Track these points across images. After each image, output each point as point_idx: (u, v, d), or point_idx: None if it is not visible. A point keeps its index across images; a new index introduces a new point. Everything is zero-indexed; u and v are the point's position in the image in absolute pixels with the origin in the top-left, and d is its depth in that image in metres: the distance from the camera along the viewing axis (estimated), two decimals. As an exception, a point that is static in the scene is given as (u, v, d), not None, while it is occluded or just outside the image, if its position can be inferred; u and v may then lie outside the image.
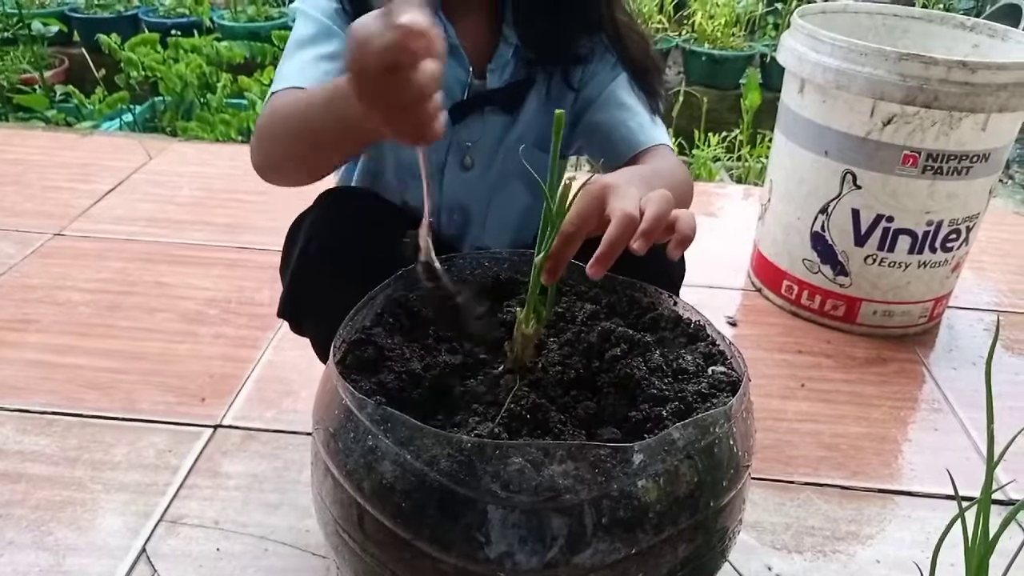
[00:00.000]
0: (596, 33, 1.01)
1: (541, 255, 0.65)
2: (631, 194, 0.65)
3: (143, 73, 2.90)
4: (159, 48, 3.04)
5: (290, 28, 3.54)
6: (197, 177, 2.15)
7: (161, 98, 2.95)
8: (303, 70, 0.92)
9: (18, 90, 2.95)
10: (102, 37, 3.05)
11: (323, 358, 1.13)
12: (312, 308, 1.00)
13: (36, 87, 3.02)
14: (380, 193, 1.07)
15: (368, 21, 0.58)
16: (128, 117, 2.85)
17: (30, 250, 1.75)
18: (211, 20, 3.60)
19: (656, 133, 1.01)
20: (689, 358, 0.74)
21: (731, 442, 0.64)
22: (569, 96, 1.04)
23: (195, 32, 3.38)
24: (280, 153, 0.87)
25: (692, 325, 0.79)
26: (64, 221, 1.88)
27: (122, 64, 2.95)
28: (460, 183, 1.08)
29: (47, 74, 3.19)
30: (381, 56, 0.57)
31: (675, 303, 0.82)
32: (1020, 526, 1.17)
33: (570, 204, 0.65)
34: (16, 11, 3.38)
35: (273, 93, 0.91)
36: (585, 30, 1.00)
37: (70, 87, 2.96)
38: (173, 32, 3.24)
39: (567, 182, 0.64)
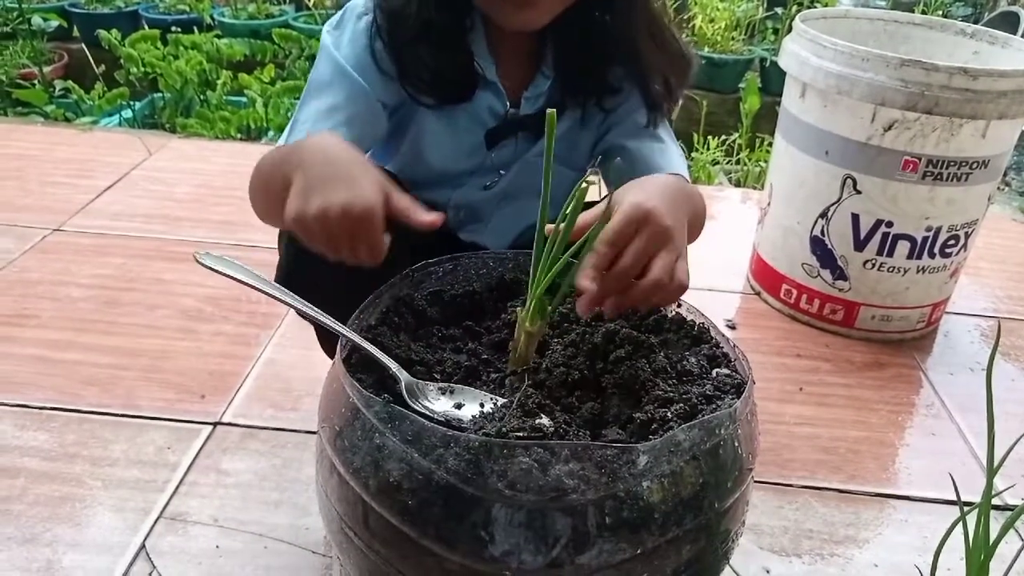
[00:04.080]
0: (630, 65, 1.01)
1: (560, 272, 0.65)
2: (673, 239, 0.69)
3: (143, 69, 2.90)
4: (159, 45, 3.04)
5: (290, 26, 3.55)
6: (196, 174, 2.15)
7: (161, 95, 2.94)
8: (315, 123, 0.92)
9: (17, 85, 2.94)
10: (102, 33, 3.04)
11: (325, 346, 1.14)
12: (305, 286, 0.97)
13: (35, 82, 3.01)
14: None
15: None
16: (127, 113, 2.84)
17: (29, 245, 1.75)
18: (211, 17, 3.59)
19: (677, 163, 1.01)
20: (693, 360, 0.74)
21: (735, 444, 0.64)
22: (599, 116, 1.05)
23: (195, 29, 3.38)
24: (257, 206, 0.88)
25: (696, 327, 0.79)
26: (63, 217, 1.87)
27: (122, 60, 2.95)
28: (476, 191, 1.09)
29: (46, 69, 3.18)
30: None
31: (679, 305, 0.82)
32: (1018, 532, 1.18)
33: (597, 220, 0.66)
34: (16, 6, 3.37)
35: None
36: (619, 62, 1.01)
37: (69, 82, 2.95)
38: (173, 29, 3.24)
39: (584, 186, 0.64)
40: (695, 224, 0.83)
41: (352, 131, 0.91)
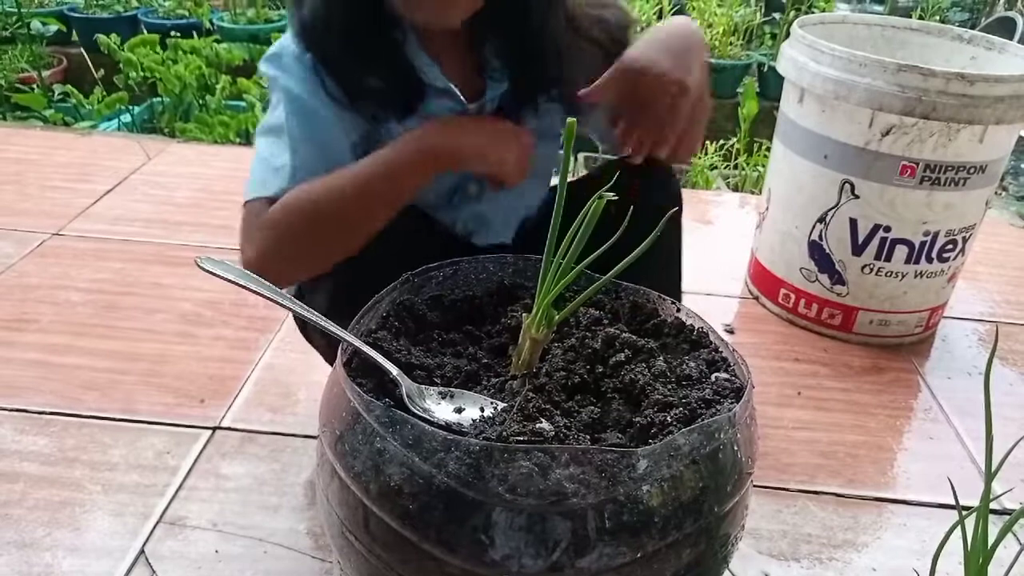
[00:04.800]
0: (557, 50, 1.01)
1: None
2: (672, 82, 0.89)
3: (142, 74, 2.90)
4: (158, 49, 3.04)
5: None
6: (195, 178, 2.16)
7: (160, 99, 2.94)
8: (312, 171, 0.93)
9: (16, 89, 2.95)
10: (101, 37, 3.04)
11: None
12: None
13: (34, 86, 3.02)
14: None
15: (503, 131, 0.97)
16: (126, 118, 2.84)
17: (28, 250, 1.75)
18: (211, 22, 3.60)
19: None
20: (692, 364, 0.74)
21: (735, 448, 0.64)
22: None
23: (194, 34, 3.38)
24: (320, 244, 0.90)
25: (695, 332, 0.80)
26: (62, 221, 1.88)
27: (121, 65, 2.95)
28: (471, 201, 1.10)
29: (45, 73, 3.19)
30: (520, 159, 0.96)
31: (678, 309, 0.82)
32: (1015, 536, 1.18)
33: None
34: (15, 10, 3.37)
35: (271, 196, 0.92)
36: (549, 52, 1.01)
37: (68, 87, 2.96)
38: (172, 33, 3.24)
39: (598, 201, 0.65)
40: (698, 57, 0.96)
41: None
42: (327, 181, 0.90)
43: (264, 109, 0.99)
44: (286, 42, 0.99)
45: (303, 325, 1.14)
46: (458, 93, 1.01)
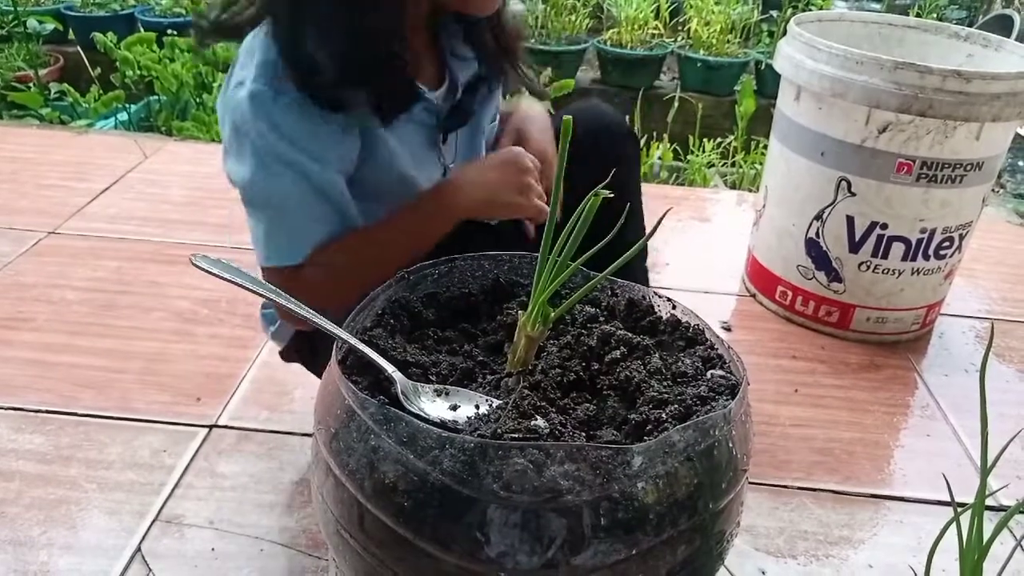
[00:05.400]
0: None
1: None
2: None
3: (139, 72, 2.90)
4: (155, 47, 3.03)
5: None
6: (192, 177, 2.15)
7: (156, 97, 2.94)
8: (323, 237, 0.98)
9: (13, 87, 2.94)
10: (98, 36, 3.04)
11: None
12: None
13: (31, 85, 3.01)
14: None
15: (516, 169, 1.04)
16: (123, 116, 2.84)
17: (24, 248, 1.75)
18: (207, 20, 3.59)
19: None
20: (688, 361, 0.74)
21: (730, 445, 0.64)
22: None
23: (191, 32, 3.38)
24: (356, 286, 0.90)
25: (691, 329, 0.80)
26: (59, 219, 1.87)
27: (117, 63, 2.94)
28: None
29: (42, 72, 3.18)
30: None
31: (674, 306, 0.82)
32: (1011, 532, 1.18)
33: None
34: (11, 8, 3.37)
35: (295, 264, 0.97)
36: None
37: (65, 85, 2.95)
38: (169, 31, 3.23)
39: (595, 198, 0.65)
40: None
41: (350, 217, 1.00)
42: (363, 243, 1.00)
43: (226, 152, 0.97)
44: (258, 88, 0.91)
45: (286, 350, 1.21)
46: (429, 98, 1.04)
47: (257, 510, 1.12)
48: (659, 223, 0.65)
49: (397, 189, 1.04)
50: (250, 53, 0.94)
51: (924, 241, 1.53)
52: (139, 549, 1.05)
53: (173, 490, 1.15)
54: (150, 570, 1.02)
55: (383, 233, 1.01)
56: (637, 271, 1.29)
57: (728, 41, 3.73)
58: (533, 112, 1.18)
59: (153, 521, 1.10)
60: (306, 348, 1.18)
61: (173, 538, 1.07)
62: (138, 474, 1.17)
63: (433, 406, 0.66)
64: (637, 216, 1.25)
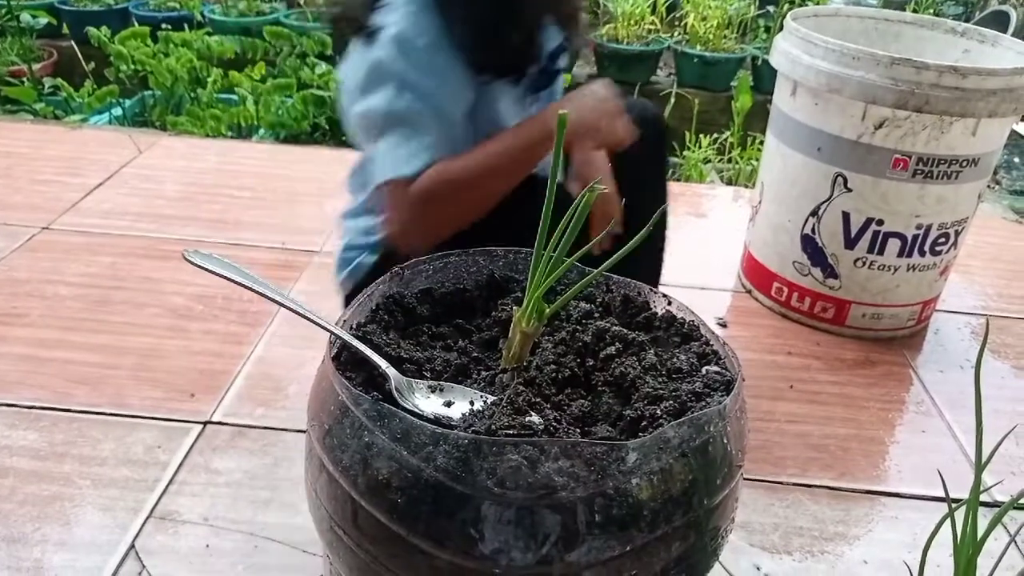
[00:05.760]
0: None
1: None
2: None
3: (133, 67, 2.89)
4: (149, 42, 3.02)
5: (281, 23, 3.54)
6: (186, 172, 2.15)
7: (151, 92, 2.93)
8: (432, 154, 1.06)
9: (6, 82, 2.93)
10: (92, 30, 3.03)
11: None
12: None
13: (24, 80, 3.00)
14: None
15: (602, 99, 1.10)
16: (117, 111, 2.83)
17: (18, 244, 1.74)
18: (202, 14, 3.58)
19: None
20: (683, 357, 0.74)
21: (725, 441, 0.64)
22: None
23: (186, 26, 3.37)
24: (464, 209, 1.06)
25: (686, 325, 0.79)
26: (53, 215, 1.87)
27: (112, 58, 2.93)
28: None
29: (36, 67, 3.17)
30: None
31: (669, 302, 0.82)
32: (1005, 528, 1.18)
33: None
34: (5, 3, 3.35)
35: (412, 173, 1.04)
36: None
37: (59, 80, 2.94)
38: (163, 26, 3.23)
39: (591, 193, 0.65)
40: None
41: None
42: (474, 157, 1.06)
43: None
44: (403, 30, 1.06)
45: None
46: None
47: (251, 506, 1.12)
48: (655, 219, 0.65)
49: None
50: (394, 7, 1.08)
51: (920, 237, 1.53)
52: (133, 545, 1.05)
53: (167, 486, 1.15)
54: (144, 566, 1.02)
55: (491, 151, 1.08)
56: (654, 253, 1.37)
57: (725, 37, 3.72)
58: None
59: (147, 517, 1.09)
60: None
61: (167, 534, 1.07)
62: (132, 470, 1.17)
63: (427, 402, 0.66)
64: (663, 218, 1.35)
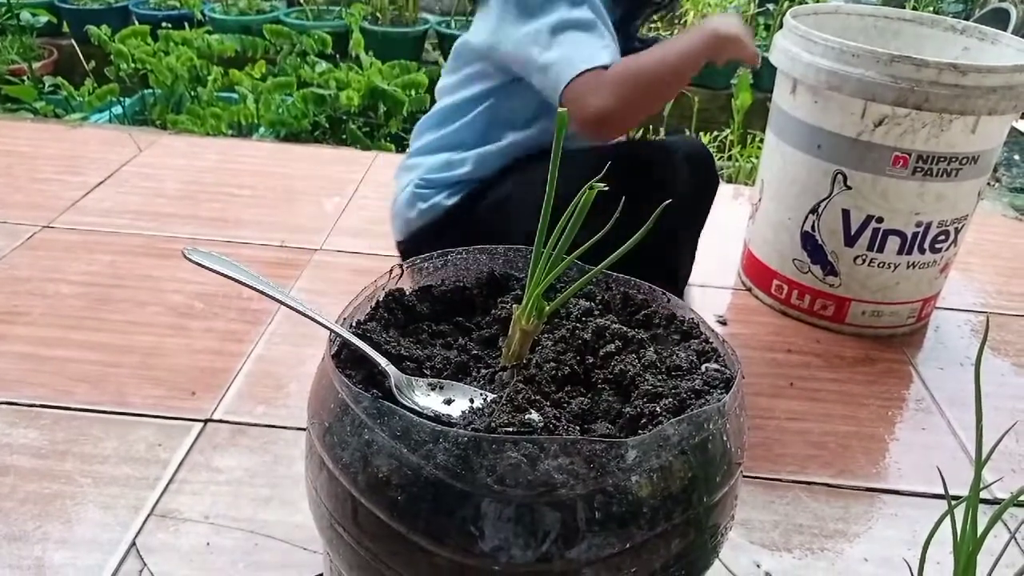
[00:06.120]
0: None
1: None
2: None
3: (133, 65, 2.89)
4: (149, 40, 3.02)
5: (281, 22, 3.54)
6: (187, 171, 2.15)
7: (151, 91, 2.93)
8: (606, 53, 1.18)
9: (6, 81, 2.92)
10: (92, 28, 3.03)
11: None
12: None
13: (24, 78, 3.00)
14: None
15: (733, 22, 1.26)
16: (118, 110, 2.83)
17: (19, 242, 1.74)
18: (202, 13, 3.58)
19: None
20: (683, 355, 0.74)
21: (724, 439, 0.64)
22: None
23: (186, 25, 3.37)
24: (649, 101, 1.20)
25: (686, 322, 0.80)
26: (53, 213, 1.87)
27: (112, 56, 2.93)
28: None
29: (36, 65, 3.17)
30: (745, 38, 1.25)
31: (669, 300, 0.82)
32: (1005, 525, 1.18)
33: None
34: (5, 1, 3.35)
35: (590, 68, 1.15)
36: None
37: (59, 79, 2.94)
38: (164, 24, 3.23)
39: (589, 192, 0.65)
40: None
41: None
42: (652, 57, 1.20)
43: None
44: None
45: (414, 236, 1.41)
46: None
47: (252, 504, 1.12)
48: (655, 217, 0.65)
49: None
50: None
51: (920, 235, 1.53)
52: (134, 543, 1.05)
53: (168, 484, 1.15)
54: (145, 564, 1.02)
55: (668, 51, 1.22)
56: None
57: (725, 34, 3.71)
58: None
59: (148, 516, 1.09)
60: (450, 228, 1.34)
61: (168, 532, 1.07)
62: (133, 468, 1.17)
63: (427, 400, 0.66)
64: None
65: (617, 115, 1.15)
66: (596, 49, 1.16)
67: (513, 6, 1.21)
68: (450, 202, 1.33)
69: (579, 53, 1.16)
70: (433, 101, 1.44)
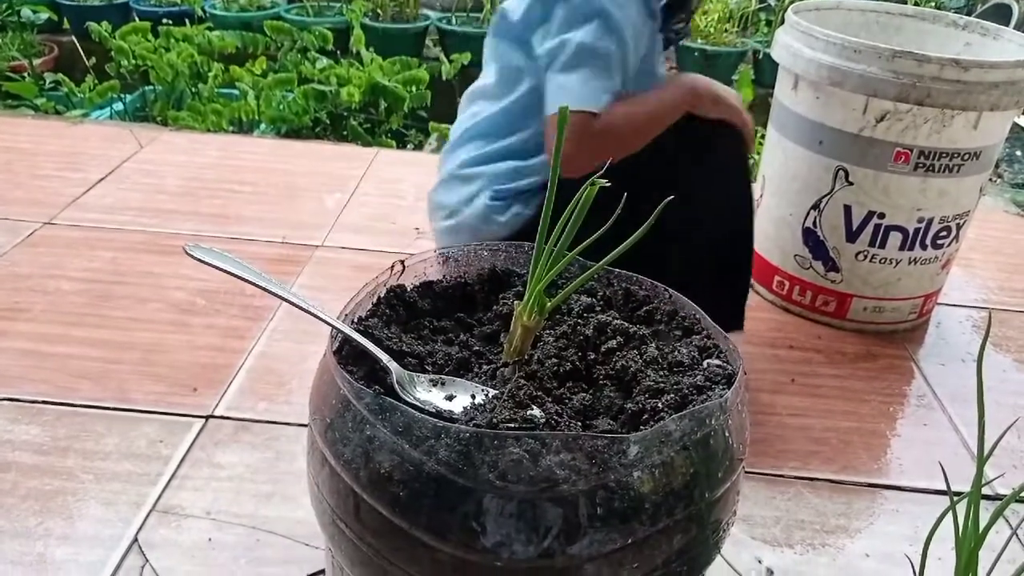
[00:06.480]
0: None
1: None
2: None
3: (134, 62, 2.89)
4: (150, 37, 3.02)
5: (281, 18, 3.54)
6: (187, 167, 2.15)
7: (152, 87, 2.93)
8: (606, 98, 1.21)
9: (7, 77, 2.92)
10: (92, 25, 3.03)
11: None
12: None
13: (25, 75, 3.00)
14: None
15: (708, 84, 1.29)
16: (118, 106, 2.83)
17: (19, 239, 1.74)
18: (203, 9, 3.58)
19: None
20: (684, 351, 0.74)
21: (726, 434, 0.64)
22: None
23: (186, 21, 3.37)
24: (614, 154, 1.12)
25: (687, 319, 0.79)
26: (54, 210, 1.87)
27: (112, 53, 2.93)
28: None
29: (36, 62, 3.17)
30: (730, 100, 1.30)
31: (670, 296, 0.82)
32: (1007, 521, 1.18)
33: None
34: (5, -2, 3.35)
35: (584, 112, 1.18)
36: None
37: (60, 75, 2.94)
38: (164, 21, 3.22)
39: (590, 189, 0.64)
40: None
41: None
42: (636, 108, 1.24)
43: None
44: None
45: None
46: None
47: (254, 500, 1.12)
48: (658, 212, 0.65)
49: (643, 80, 1.31)
50: None
51: (921, 231, 1.52)
52: (136, 540, 1.05)
53: (170, 481, 1.15)
54: (147, 560, 1.02)
55: (653, 103, 1.26)
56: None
57: (726, 30, 3.71)
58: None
59: (150, 511, 1.10)
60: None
61: (170, 528, 1.07)
62: (135, 464, 1.17)
63: (429, 396, 0.66)
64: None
65: (587, 161, 1.14)
66: (598, 92, 1.20)
67: (564, 12, 1.23)
68: (530, 211, 1.33)
69: (580, 89, 1.19)
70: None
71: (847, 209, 1.53)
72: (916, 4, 3.70)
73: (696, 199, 1.15)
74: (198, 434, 1.24)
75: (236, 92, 2.87)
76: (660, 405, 0.65)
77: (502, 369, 0.70)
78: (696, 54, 3.62)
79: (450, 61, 3.21)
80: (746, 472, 1.19)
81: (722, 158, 1.31)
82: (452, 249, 0.85)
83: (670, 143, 1.26)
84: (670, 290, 0.82)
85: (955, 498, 0.67)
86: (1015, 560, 1.09)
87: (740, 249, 1.37)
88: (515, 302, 0.72)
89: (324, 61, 3.05)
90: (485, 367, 0.72)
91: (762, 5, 3.96)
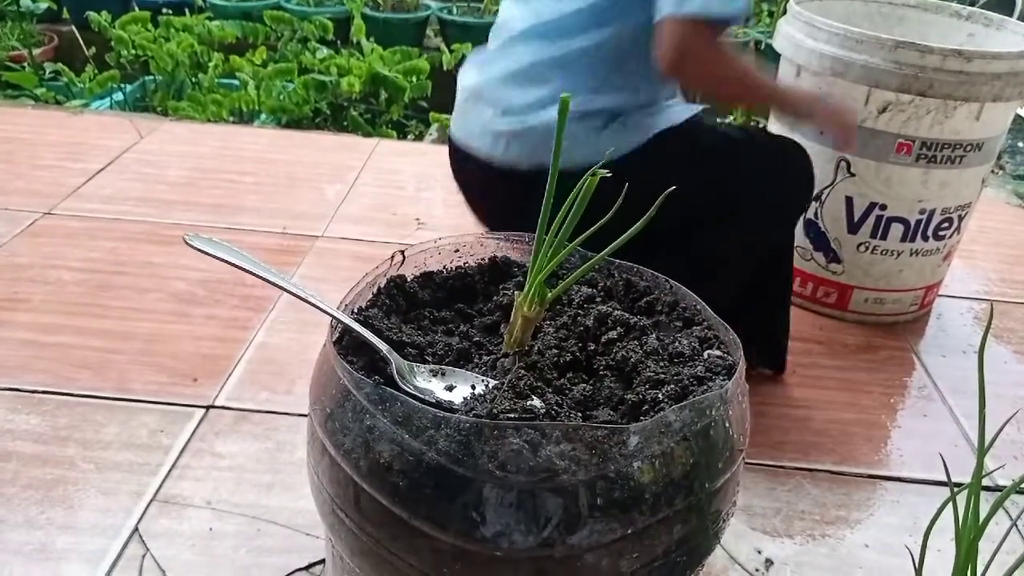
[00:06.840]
0: None
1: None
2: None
3: (134, 52, 2.88)
4: (150, 27, 3.01)
5: (282, 8, 3.52)
6: (188, 157, 2.14)
7: (152, 77, 2.92)
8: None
9: (7, 67, 2.92)
10: (92, 15, 3.02)
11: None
12: None
13: (25, 65, 2.99)
14: None
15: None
16: (119, 96, 2.82)
17: (20, 229, 1.74)
18: (202, -1, 3.57)
19: None
20: (685, 342, 0.74)
21: (726, 425, 0.64)
22: None
23: (186, 11, 3.36)
24: (720, 89, 1.25)
25: (688, 309, 0.79)
26: (54, 200, 1.86)
27: (112, 42, 2.92)
28: None
29: (36, 52, 3.16)
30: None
31: (671, 287, 0.82)
32: (1007, 512, 1.18)
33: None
34: (4, -13, 3.34)
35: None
36: None
37: (60, 65, 2.93)
38: (164, 11, 3.21)
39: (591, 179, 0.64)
40: None
41: None
42: (756, 75, 1.23)
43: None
44: None
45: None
46: None
47: (254, 490, 1.13)
48: (659, 203, 0.65)
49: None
50: None
51: (923, 222, 1.52)
52: (136, 529, 1.05)
53: (170, 470, 1.15)
54: (147, 549, 1.03)
55: (770, 83, 1.32)
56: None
57: (728, 21, 3.69)
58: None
59: (150, 501, 1.10)
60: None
61: (170, 518, 1.07)
62: (135, 454, 1.17)
63: (429, 386, 0.66)
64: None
65: (691, 73, 1.16)
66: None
67: None
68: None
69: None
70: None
71: (849, 200, 1.53)
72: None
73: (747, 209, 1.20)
74: (198, 424, 1.24)
75: (236, 82, 2.86)
76: (660, 396, 0.65)
77: (502, 359, 0.70)
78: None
79: (451, 51, 3.20)
80: (746, 463, 1.19)
81: (790, 175, 1.28)
82: (451, 240, 0.85)
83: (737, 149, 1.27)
84: (671, 281, 0.82)
85: (955, 489, 0.67)
86: (1015, 551, 1.09)
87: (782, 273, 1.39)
88: (515, 292, 0.72)
89: (324, 51, 3.04)
90: (485, 357, 0.72)
91: (764, -5, 3.94)
